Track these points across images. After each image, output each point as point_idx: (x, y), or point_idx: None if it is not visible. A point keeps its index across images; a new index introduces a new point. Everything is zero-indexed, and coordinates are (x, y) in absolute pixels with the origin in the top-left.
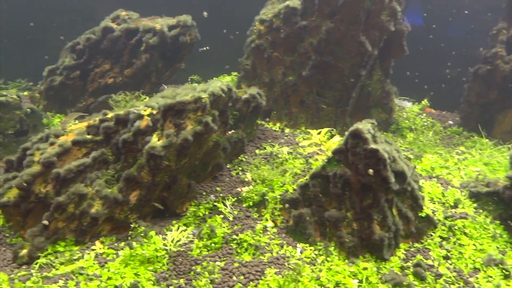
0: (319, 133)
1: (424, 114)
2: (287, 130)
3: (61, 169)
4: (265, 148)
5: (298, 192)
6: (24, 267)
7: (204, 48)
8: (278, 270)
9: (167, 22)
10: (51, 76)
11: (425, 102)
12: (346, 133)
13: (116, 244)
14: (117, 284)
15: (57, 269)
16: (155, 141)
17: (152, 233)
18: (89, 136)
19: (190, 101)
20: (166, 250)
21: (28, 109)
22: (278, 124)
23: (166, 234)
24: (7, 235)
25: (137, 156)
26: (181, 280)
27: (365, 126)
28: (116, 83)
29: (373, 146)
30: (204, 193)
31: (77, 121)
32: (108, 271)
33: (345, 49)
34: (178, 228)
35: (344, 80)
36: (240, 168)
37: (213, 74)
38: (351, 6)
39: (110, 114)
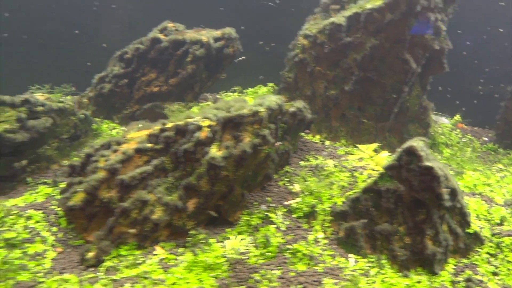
0: (367, 148)
1: (458, 130)
2: (327, 143)
3: (126, 175)
4: (309, 160)
5: (347, 205)
6: (91, 269)
7: (241, 58)
8: (335, 280)
9: (212, 34)
10: (100, 83)
11: (457, 117)
12: (399, 149)
13: (175, 249)
14: None
15: (122, 272)
16: (215, 151)
17: (213, 240)
18: (149, 145)
19: (249, 114)
20: (226, 257)
21: (82, 115)
22: (318, 136)
23: (223, 242)
24: (70, 237)
25: (195, 165)
26: (242, 287)
27: (418, 143)
28: (161, 92)
29: (428, 163)
30: (254, 203)
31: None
32: (173, 276)
33: (388, 66)
34: (236, 236)
35: (385, 95)
36: (286, 179)
37: (247, 83)
38: (396, 24)
39: (169, 124)
